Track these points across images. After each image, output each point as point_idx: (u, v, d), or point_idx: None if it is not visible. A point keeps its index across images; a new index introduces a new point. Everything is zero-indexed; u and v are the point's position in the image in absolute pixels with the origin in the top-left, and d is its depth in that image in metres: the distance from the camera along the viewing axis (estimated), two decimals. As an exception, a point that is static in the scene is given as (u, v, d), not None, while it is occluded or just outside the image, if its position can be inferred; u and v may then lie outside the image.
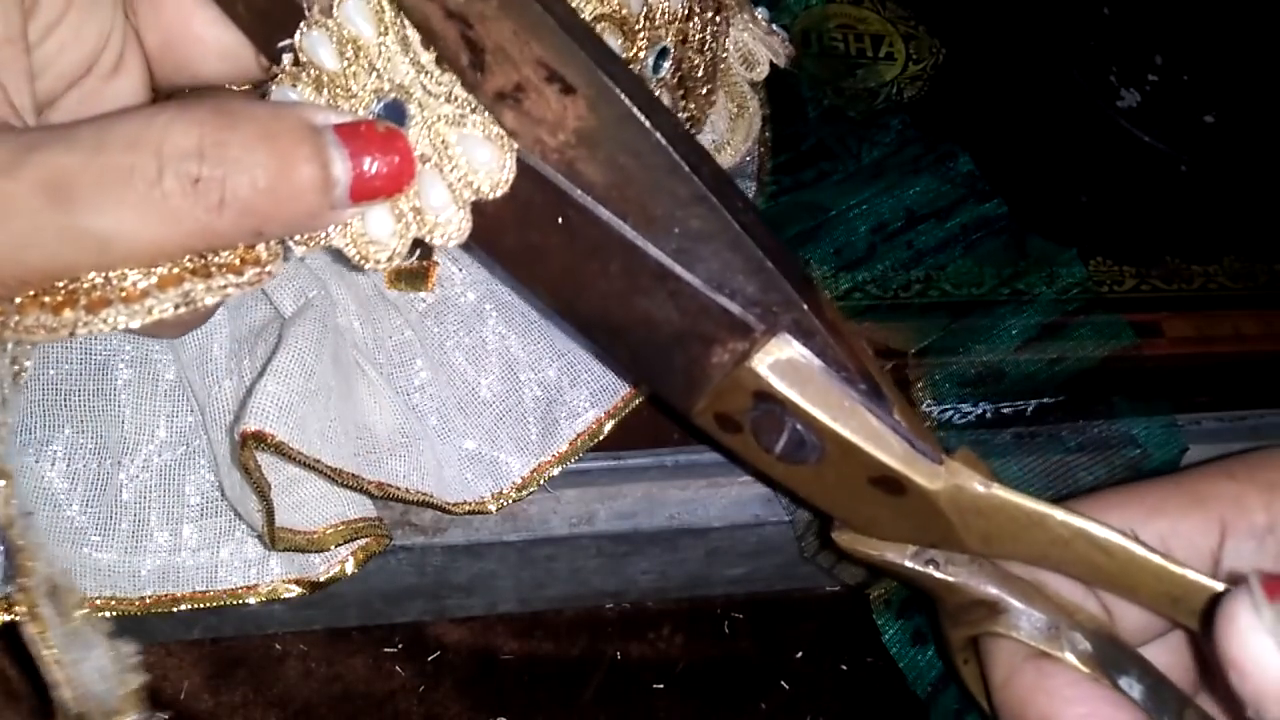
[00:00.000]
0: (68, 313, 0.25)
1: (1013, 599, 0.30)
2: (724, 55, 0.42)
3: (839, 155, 0.47)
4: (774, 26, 0.45)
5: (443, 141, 0.27)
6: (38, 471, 0.35)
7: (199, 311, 0.26)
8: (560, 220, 0.27)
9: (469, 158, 0.27)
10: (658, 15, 0.37)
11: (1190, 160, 0.47)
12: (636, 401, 0.38)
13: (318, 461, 0.32)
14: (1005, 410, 0.41)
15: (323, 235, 0.27)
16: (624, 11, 0.36)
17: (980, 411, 0.41)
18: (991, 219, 0.46)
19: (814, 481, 0.30)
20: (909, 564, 0.31)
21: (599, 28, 0.35)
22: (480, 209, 0.28)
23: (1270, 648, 0.21)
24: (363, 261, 0.27)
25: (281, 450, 0.31)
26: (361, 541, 0.36)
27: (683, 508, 0.39)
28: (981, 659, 0.31)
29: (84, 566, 0.35)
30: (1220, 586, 0.26)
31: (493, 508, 0.37)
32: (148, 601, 0.35)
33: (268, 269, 0.27)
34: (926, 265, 0.44)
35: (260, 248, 0.26)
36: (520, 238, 0.28)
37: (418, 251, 0.28)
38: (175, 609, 0.35)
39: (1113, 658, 0.29)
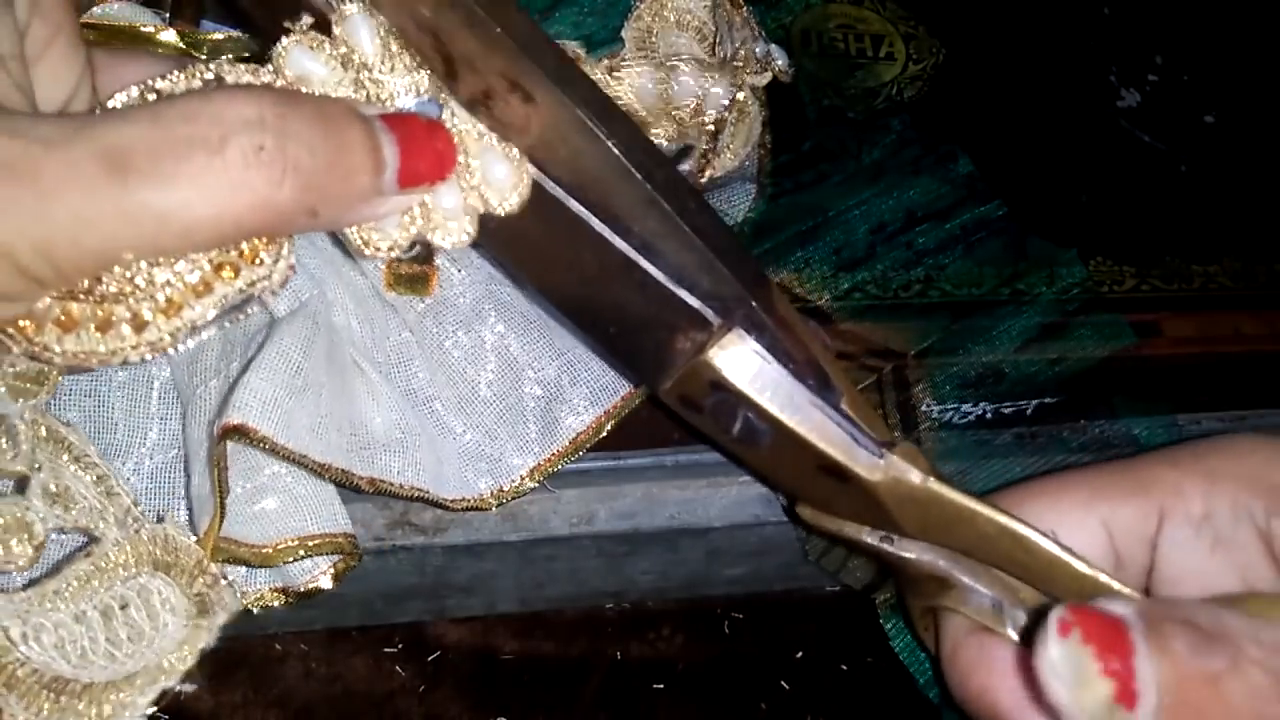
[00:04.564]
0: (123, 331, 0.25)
1: (962, 576, 0.32)
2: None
3: (839, 157, 0.47)
4: (771, 49, 0.45)
5: (465, 150, 0.28)
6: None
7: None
8: (537, 208, 0.29)
9: (486, 171, 0.28)
10: (688, 113, 0.39)
11: (1190, 160, 0.47)
12: (636, 401, 0.38)
13: (304, 457, 0.32)
14: (1005, 410, 0.41)
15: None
16: (673, 108, 0.39)
17: (980, 412, 0.41)
18: (991, 220, 0.46)
19: (769, 463, 0.32)
20: (866, 539, 0.33)
21: None
22: None
23: (1054, 682, 0.23)
24: (363, 247, 0.28)
25: (266, 444, 0.31)
26: (335, 556, 0.35)
27: (683, 508, 0.39)
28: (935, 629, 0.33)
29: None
30: (1127, 591, 0.28)
31: (493, 504, 0.37)
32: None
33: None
34: (926, 266, 0.44)
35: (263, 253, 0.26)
36: (503, 222, 0.29)
37: (415, 249, 0.29)
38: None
39: None
